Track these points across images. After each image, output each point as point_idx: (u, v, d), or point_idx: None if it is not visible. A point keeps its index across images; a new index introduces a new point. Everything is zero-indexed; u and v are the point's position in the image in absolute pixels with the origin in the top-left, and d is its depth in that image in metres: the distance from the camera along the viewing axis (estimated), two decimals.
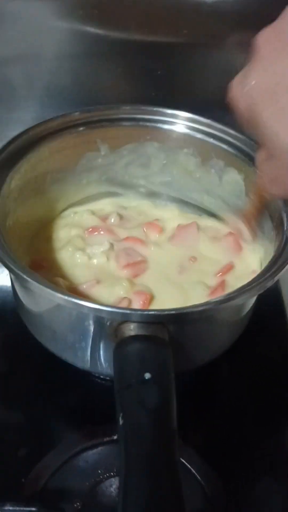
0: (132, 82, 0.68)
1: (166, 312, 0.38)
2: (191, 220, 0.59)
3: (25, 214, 0.53)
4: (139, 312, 0.38)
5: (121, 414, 0.32)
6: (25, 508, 0.40)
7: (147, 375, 0.34)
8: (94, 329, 0.42)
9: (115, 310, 0.38)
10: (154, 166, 0.60)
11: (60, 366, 0.49)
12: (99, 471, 0.46)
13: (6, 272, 0.61)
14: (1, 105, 0.69)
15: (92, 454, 0.47)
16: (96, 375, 0.52)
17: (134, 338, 0.37)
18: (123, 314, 0.38)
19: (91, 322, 0.42)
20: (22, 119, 0.69)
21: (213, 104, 0.67)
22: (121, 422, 0.32)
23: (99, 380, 0.52)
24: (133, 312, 0.38)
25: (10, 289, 0.60)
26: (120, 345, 0.38)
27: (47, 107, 0.69)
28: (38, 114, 0.69)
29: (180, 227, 0.58)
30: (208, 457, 0.47)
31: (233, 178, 0.56)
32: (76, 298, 0.39)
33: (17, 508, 0.40)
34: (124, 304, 0.47)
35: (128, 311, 0.38)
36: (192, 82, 0.69)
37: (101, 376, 0.52)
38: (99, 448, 0.47)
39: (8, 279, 0.62)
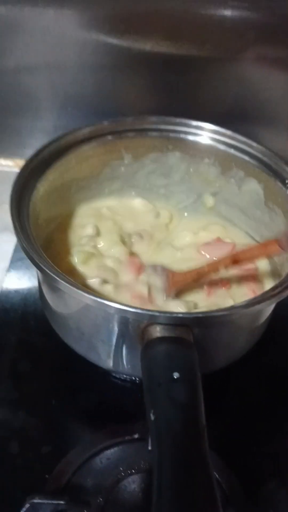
0: (153, 94, 0.70)
1: (193, 315, 0.40)
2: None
3: (49, 218, 0.55)
4: (166, 315, 0.40)
5: (152, 411, 0.34)
6: (53, 501, 0.41)
7: (176, 374, 0.36)
8: (120, 330, 0.44)
9: (143, 312, 0.40)
10: (175, 175, 0.62)
11: (82, 367, 0.51)
12: (121, 468, 0.47)
13: (28, 274, 0.65)
14: (26, 114, 0.72)
15: (113, 452, 0.48)
16: (118, 376, 0.53)
17: (162, 339, 0.39)
18: (150, 316, 0.40)
19: (117, 323, 0.43)
20: (46, 128, 0.72)
21: (232, 116, 0.70)
22: (152, 417, 0.34)
23: (119, 382, 0.54)
24: (161, 314, 0.40)
25: (31, 292, 0.62)
26: (148, 346, 0.39)
27: (70, 116, 0.71)
28: (62, 123, 0.71)
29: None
30: (226, 457, 0.48)
31: (253, 188, 0.58)
32: (105, 299, 0.40)
33: (46, 501, 0.41)
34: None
35: (156, 313, 0.40)
36: (212, 95, 0.71)
37: (122, 377, 0.53)
38: (120, 446, 0.49)
39: (30, 281, 0.64)
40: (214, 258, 0.55)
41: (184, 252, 0.58)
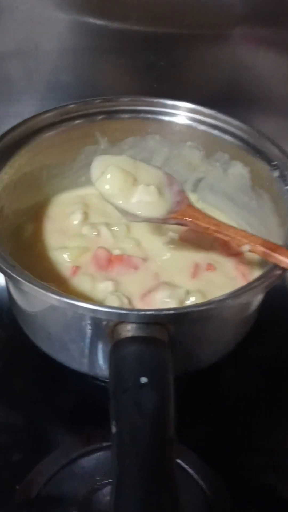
0: (134, 74, 0.66)
1: (165, 312, 0.36)
2: None
3: (18, 209, 0.51)
4: (135, 312, 0.36)
5: (114, 422, 0.30)
6: None
7: (144, 379, 0.32)
8: (89, 329, 0.40)
9: (110, 310, 0.36)
10: (156, 160, 0.58)
11: (57, 368, 0.47)
12: (97, 478, 0.44)
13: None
14: None
15: (89, 460, 0.45)
16: (93, 377, 0.50)
17: (131, 339, 0.35)
18: (119, 314, 0.36)
19: (86, 322, 0.40)
20: (21, 113, 0.67)
21: (218, 96, 0.66)
22: (114, 429, 0.30)
23: (97, 382, 0.50)
24: (129, 312, 0.36)
25: (5, 288, 0.59)
26: (116, 347, 0.36)
27: (46, 100, 0.67)
28: (37, 108, 0.66)
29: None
30: (210, 460, 0.45)
31: (238, 171, 0.54)
32: (70, 298, 0.37)
33: None
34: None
35: (124, 311, 0.36)
36: (195, 74, 0.67)
37: (99, 379, 0.50)
38: (97, 454, 0.46)
39: (1, 278, 0.60)
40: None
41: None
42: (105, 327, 0.38)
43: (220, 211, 0.58)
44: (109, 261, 0.49)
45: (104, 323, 0.37)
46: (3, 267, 0.38)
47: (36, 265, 0.48)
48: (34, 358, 0.51)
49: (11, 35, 0.62)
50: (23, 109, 0.67)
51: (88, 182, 0.58)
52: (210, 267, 0.51)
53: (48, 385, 0.51)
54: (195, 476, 0.44)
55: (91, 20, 0.62)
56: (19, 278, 0.38)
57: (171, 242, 0.53)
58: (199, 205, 0.59)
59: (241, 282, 0.49)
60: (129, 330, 0.36)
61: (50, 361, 0.47)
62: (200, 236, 0.52)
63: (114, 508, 0.26)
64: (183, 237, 0.53)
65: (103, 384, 0.50)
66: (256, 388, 0.52)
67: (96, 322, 0.38)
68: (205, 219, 0.44)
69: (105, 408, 0.48)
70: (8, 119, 0.67)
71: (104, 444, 0.46)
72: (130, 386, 0.32)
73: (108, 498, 0.42)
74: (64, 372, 0.48)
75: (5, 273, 0.39)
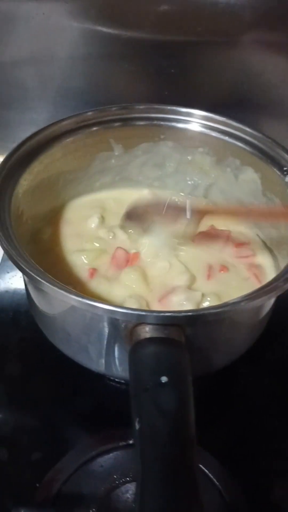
0: (146, 81, 0.68)
1: (183, 314, 0.37)
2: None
3: (36, 213, 0.53)
4: (154, 314, 0.37)
5: (137, 419, 0.31)
6: None
7: (164, 379, 0.33)
8: (108, 331, 0.41)
9: (130, 311, 0.37)
10: (168, 165, 0.59)
11: (75, 369, 0.48)
12: (115, 476, 0.45)
13: (19, 274, 0.62)
14: (13, 106, 0.69)
15: (107, 459, 0.46)
16: (111, 378, 0.51)
17: (150, 340, 0.37)
18: (138, 315, 0.37)
19: (105, 324, 0.41)
20: (35, 120, 0.70)
21: (228, 102, 0.68)
22: (137, 426, 0.31)
23: (113, 383, 0.52)
24: (148, 314, 0.37)
25: (24, 291, 0.60)
26: (136, 348, 0.37)
27: (60, 108, 0.69)
28: (51, 115, 0.69)
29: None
30: (227, 463, 0.46)
31: (250, 177, 0.55)
32: (90, 299, 0.38)
33: None
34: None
35: (143, 313, 0.37)
36: (206, 80, 0.68)
37: (116, 379, 0.51)
38: (115, 453, 0.46)
39: (22, 281, 0.61)
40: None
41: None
42: (124, 329, 0.39)
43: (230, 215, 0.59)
44: (127, 261, 0.51)
45: (124, 324, 0.39)
46: (26, 269, 0.39)
47: (54, 267, 0.49)
48: (52, 360, 0.52)
49: (27, 44, 0.64)
50: (38, 116, 0.69)
51: (103, 186, 0.60)
52: (223, 268, 0.52)
53: (66, 386, 0.52)
54: (212, 478, 0.45)
55: (104, 28, 0.63)
56: (41, 280, 0.39)
57: (184, 244, 0.54)
58: None
59: (254, 283, 0.50)
60: (147, 331, 0.37)
61: (67, 362, 0.48)
62: (211, 239, 0.54)
63: (139, 503, 0.27)
64: (195, 240, 0.54)
65: (119, 385, 0.51)
66: (270, 391, 0.53)
67: (116, 323, 0.40)
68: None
69: (122, 409, 0.49)
70: (24, 126, 0.69)
71: (121, 443, 0.47)
72: (151, 385, 0.33)
73: (126, 496, 0.43)
74: (81, 373, 0.49)
75: (27, 275, 0.40)
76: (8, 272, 0.63)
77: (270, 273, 0.52)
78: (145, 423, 0.31)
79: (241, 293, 0.39)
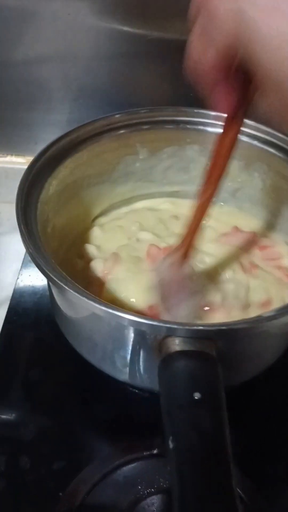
0: (171, 82, 0.66)
1: (216, 328, 0.36)
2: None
3: (63, 220, 0.52)
4: (186, 327, 0.36)
5: (171, 437, 0.31)
6: None
7: (197, 395, 0.32)
8: (135, 341, 0.41)
9: (159, 324, 0.36)
10: (194, 169, 0.58)
11: (97, 376, 0.48)
12: (139, 487, 0.44)
13: (41, 276, 0.61)
14: (37, 107, 0.68)
15: (131, 469, 0.45)
16: (133, 386, 0.50)
17: (181, 353, 0.36)
18: (168, 328, 0.36)
19: (133, 334, 0.40)
20: (58, 122, 0.69)
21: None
22: (171, 445, 0.30)
23: (137, 391, 0.51)
24: (179, 327, 0.36)
25: (45, 293, 0.59)
26: (166, 361, 0.36)
27: (83, 109, 0.68)
28: (75, 116, 0.68)
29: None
30: (251, 474, 0.45)
31: (277, 183, 0.54)
32: (117, 310, 0.37)
33: None
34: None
35: (174, 326, 0.36)
36: None
37: (139, 388, 0.50)
38: (139, 463, 0.46)
39: (43, 283, 0.61)
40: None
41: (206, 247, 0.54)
42: (154, 340, 0.38)
43: (257, 220, 0.58)
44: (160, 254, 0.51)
45: (153, 336, 0.38)
46: (52, 277, 0.39)
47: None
48: (74, 366, 0.52)
49: (52, 43, 0.63)
50: (61, 117, 0.68)
51: (126, 189, 0.59)
52: (254, 267, 0.51)
53: (88, 393, 0.52)
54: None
55: (131, 28, 0.62)
56: (68, 289, 0.38)
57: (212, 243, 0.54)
58: (236, 213, 0.60)
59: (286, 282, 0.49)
60: (177, 344, 0.36)
61: (90, 369, 0.47)
62: (235, 239, 0.53)
63: None
64: (222, 240, 0.54)
65: (142, 393, 0.51)
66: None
67: (144, 334, 0.39)
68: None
69: (145, 418, 0.49)
70: (46, 127, 0.69)
71: (145, 453, 0.46)
72: (184, 402, 0.32)
73: (152, 509, 0.43)
74: (104, 381, 0.48)
75: (53, 283, 0.39)
76: (29, 275, 0.63)
77: None
78: (180, 442, 0.30)
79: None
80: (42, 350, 0.56)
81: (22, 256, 0.65)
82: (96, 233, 0.56)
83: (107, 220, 0.59)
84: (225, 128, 0.36)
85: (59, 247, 0.51)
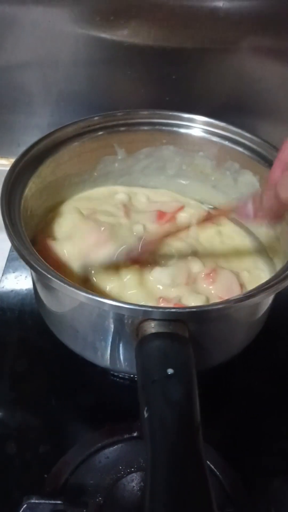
0: (148, 87, 0.69)
1: (187, 310, 0.39)
2: None
3: (41, 214, 0.54)
4: (160, 310, 0.39)
5: (145, 408, 0.33)
6: (50, 501, 0.40)
7: (170, 371, 0.35)
8: (115, 327, 0.43)
9: (137, 308, 0.39)
10: (169, 169, 0.61)
11: (78, 365, 0.51)
12: (120, 467, 0.47)
13: (25, 273, 0.64)
14: (18, 111, 0.71)
15: (112, 451, 0.48)
16: (115, 373, 0.53)
17: (156, 335, 0.38)
18: (144, 311, 0.39)
19: (112, 320, 0.43)
20: (39, 125, 0.71)
21: (227, 108, 0.69)
22: (146, 415, 0.33)
23: (117, 379, 0.54)
24: (154, 310, 0.39)
25: (29, 291, 0.62)
26: (143, 342, 0.38)
27: (63, 112, 0.70)
28: (55, 120, 0.70)
29: None
30: (225, 453, 0.48)
31: (248, 180, 0.57)
32: (98, 296, 0.40)
33: (42, 501, 0.40)
34: None
35: (150, 309, 0.39)
36: (205, 87, 0.70)
37: (120, 375, 0.53)
38: (119, 445, 0.48)
39: (26, 282, 0.63)
40: None
41: None
42: (131, 324, 0.41)
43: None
44: None
45: (130, 320, 0.41)
46: (36, 266, 0.41)
47: None
48: (57, 357, 0.55)
49: (32, 49, 0.66)
50: (42, 120, 0.70)
51: (105, 188, 0.62)
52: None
53: (70, 382, 0.54)
54: (213, 468, 0.47)
55: (108, 35, 0.65)
56: (51, 276, 0.40)
57: None
58: None
59: None
60: (153, 326, 0.39)
61: (72, 359, 0.50)
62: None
63: (150, 488, 0.29)
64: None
65: (122, 381, 0.53)
66: (263, 389, 0.55)
67: (122, 319, 0.42)
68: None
69: (125, 403, 0.51)
70: (28, 130, 0.71)
71: (126, 436, 0.49)
72: (158, 377, 0.35)
73: (132, 485, 0.45)
74: (85, 369, 0.51)
75: (37, 272, 0.41)
76: (13, 272, 0.65)
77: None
78: (153, 412, 0.33)
79: None
80: (27, 344, 0.58)
81: (6, 255, 0.67)
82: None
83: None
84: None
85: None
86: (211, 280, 0.51)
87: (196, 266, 0.52)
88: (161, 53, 0.67)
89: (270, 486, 0.48)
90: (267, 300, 0.47)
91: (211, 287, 0.50)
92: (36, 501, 0.40)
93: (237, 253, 0.56)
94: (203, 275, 0.51)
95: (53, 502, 0.40)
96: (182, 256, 0.53)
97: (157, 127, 0.58)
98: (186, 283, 0.50)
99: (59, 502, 0.40)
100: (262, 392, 0.54)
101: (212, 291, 0.50)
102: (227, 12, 0.63)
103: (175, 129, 0.57)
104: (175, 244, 0.54)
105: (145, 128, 0.57)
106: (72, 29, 0.64)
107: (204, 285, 0.50)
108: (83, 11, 0.63)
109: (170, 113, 0.57)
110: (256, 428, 0.52)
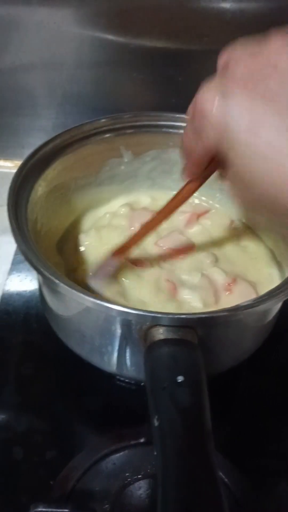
0: (153, 89, 0.69)
1: (197, 316, 0.39)
2: None
3: (51, 219, 0.54)
4: (169, 316, 0.39)
5: (156, 416, 0.33)
6: (57, 510, 0.40)
7: (180, 378, 0.35)
8: (123, 332, 0.43)
9: (145, 314, 0.39)
10: (176, 171, 0.61)
11: (85, 369, 0.50)
12: (127, 474, 0.46)
13: (30, 277, 0.64)
14: (23, 113, 0.71)
15: (119, 457, 0.47)
16: (122, 378, 0.52)
17: (165, 341, 0.38)
18: (153, 317, 0.39)
19: (120, 325, 0.42)
20: (44, 127, 0.71)
21: None
22: (156, 423, 0.32)
23: (124, 384, 0.53)
24: (163, 316, 0.39)
25: (34, 294, 0.61)
26: (151, 348, 0.38)
27: (68, 114, 0.70)
28: (61, 122, 0.70)
29: None
30: (233, 458, 0.47)
31: None
32: (106, 302, 0.39)
33: (49, 510, 0.40)
34: None
35: (158, 315, 0.39)
36: None
37: (127, 380, 0.52)
38: (126, 451, 0.48)
39: (32, 283, 0.63)
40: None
41: None
42: (139, 330, 0.40)
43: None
44: None
45: (138, 326, 0.40)
46: (42, 271, 0.41)
47: None
48: (63, 361, 0.54)
49: (38, 51, 0.66)
50: (47, 122, 0.70)
51: (111, 190, 0.61)
52: None
53: (77, 386, 0.54)
54: (221, 474, 0.46)
55: (114, 37, 0.65)
56: (58, 281, 0.40)
57: None
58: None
59: None
60: (161, 332, 0.39)
61: (78, 363, 0.49)
62: None
63: (161, 495, 0.29)
64: None
65: (128, 386, 0.53)
66: (272, 394, 0.54)
67: (130, 324, 0.41)
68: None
69: (132, 408, 0.51)
70: (33, 132, 0.71)
71: (133, 442, 0.48)
72: (168, 384, 0.35)
73: (139, 492, 0.45)
74: (92, 374, 0.50)
75: (44, 276, 0.41)
76: (18, 275, 0.65)
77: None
78: (164, 419, 0.33)
79: None
80: (33, 347, 0.57)
81: (11, 258, 0.67)
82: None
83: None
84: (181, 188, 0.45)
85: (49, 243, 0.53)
86: (229, 292, 0.51)
87: (220, 277, 0.52)
88: (166, 55, 0.67)
89: (279, 489, 0.47)
90: (276, 306, 0.47)
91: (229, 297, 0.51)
92: (43, 509, 0.40)
93: (254, 263, 0.55)
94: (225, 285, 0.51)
95: (60, 510, 0.40)
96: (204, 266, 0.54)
97: (163, 129, 0.57)
98: (215, 303, 0.50)
99: (66, 510, 0.40)
100: (271, 396, 0.54)
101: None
102: (232, 13, 0.63)
103: (181, 131, 0.56)
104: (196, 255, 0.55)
105: (153, 130, 0.57)
106: (77, 31, 0.64)
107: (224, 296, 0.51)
108: (88, 13, 0.63)
109: (177, 115, 0.56)
110: (264, 432, 0.51)
